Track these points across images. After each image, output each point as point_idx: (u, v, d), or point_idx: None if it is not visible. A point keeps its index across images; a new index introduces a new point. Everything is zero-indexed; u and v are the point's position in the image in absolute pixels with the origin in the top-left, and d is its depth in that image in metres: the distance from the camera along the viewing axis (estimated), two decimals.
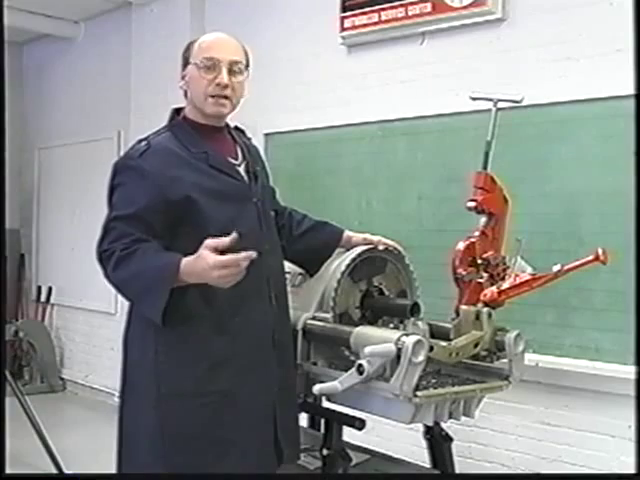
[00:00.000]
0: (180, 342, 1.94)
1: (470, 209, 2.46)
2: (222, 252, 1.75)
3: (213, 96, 1.99)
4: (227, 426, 1.96)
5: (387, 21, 3.56)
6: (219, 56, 1.99)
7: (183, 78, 2.06)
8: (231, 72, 2.00)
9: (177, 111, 2.11)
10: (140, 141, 2.01)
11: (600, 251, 2.26)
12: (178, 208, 1.92)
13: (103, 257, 1.92)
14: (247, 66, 2.07)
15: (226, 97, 2.01)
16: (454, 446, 2.49)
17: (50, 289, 5.95)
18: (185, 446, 1.93)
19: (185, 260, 1.80)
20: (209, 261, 1.74)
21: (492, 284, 2.35)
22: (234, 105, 2.05)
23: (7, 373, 3.93)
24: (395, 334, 1.92)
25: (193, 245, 1.81)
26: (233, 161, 2.09)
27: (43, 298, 5.98)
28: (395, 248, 2.37)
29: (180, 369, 1.93)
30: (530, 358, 2.69)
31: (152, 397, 1.93)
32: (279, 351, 2.07)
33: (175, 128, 2.04)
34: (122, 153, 5.46)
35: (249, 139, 2.22)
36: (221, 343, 1.95)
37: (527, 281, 2.29)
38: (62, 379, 5.82)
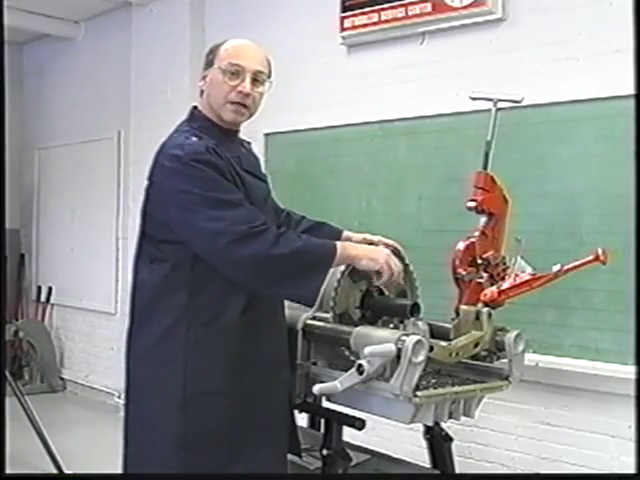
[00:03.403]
0: (209, 343, 1.94)
1: (470, 209, 2.46)
2: None
3: (233, 102, 2.00)
4: (247, 425, 1.98)
5: (387, 21, 3.56)
6: (245, 64, 2.00)
7: (204, 79, 2.05)
8: (254, 82, 2.01)
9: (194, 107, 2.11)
10: (188, 137, 1.96)
11: (600, 251, 2.26)
12: None
13: (257, 231, 1.84)
14: (269, 77, 2.07)
15: (245, 106, 2.02)
16: (454, 446, 2.49)
17: (50, 289, 5.95)
18: (208, 446, 1.93)
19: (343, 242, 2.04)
20: (387, 252, 2.05)
21: (492, 284, 2.35)
22: (251, 114, 2.06)
23: (7, 373, 3.93)
24: (395, 334, 1.91)
25: None
26: None
27: (43, 298, 5.98)
28: (395, 248, 2.37)
29: (207, 369, 1.94)
30: (530, 358, 2.69)
31: (177, 397, 1.92)
32: (288, 352, 2.11)
33: (205, 129, 2.02)
34: (122, 152, 5.51)
35: (249, 143, 2.22)
36: (245, 343, 1.97)
37: (527, 281, 2.29)
38: (62, 379, 5.82)
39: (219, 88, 2.01)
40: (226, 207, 1.86)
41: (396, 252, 2.36)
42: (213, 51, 2.06)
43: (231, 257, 1.85)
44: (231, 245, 1.83)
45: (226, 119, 2.04)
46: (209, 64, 2.05)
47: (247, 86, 1.99)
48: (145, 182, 2.04)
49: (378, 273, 2.02)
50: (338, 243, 1.98)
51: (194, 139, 1.95)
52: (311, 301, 1.94)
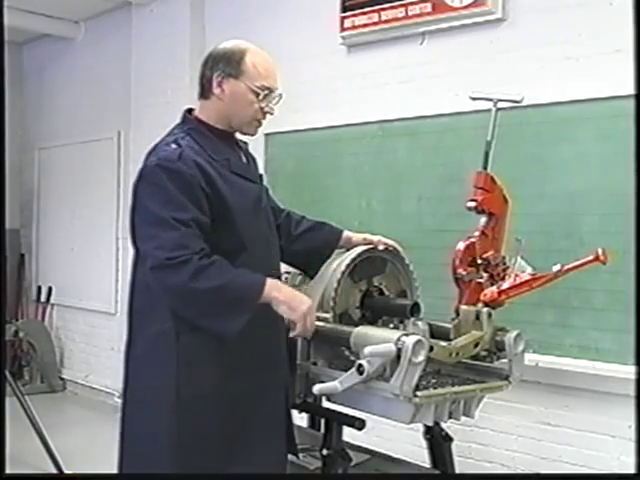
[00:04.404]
0: (201, 345, 1.93)
1: (470, 209, 2.45)
2: None
3: (257, 120, 2.04)
4: (243, 426, 1.98)
5: (387, 21, 3.56)
6: (274, 86, 2.03)
7: (219, 86, 2.00)
8: None
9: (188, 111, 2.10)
10: (168, 144, 1.97)
11: (600, 251, 2.25)
12: (215, 216, 1.92)
13: (174, 263, 1.81)
14: None
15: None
16: (454, 446, 2.49)
17: (50, 289, 5.95)
18: (202, 447, 1.93)
19: (273, 280, 1.93)
20: (311, 307, 1.95)
21: (492, 284, 2.34)
22: None
23: (7, 373, 3.93)
24: (395, 334, 1.91)
25: (219, 249, 1.88)
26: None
27: (43, 298, 5.98)
28: (395, 248, 2.37)
29: (200, 371, 1.93)
30: (530, 358, 2.69)
31: (170, 400, 1.92)
32: (285, 351, 2.10)
33: (194, 132, 2.01)
34: (122, 152, 5.51)
35: (245, 143, 2.21)
36: (239, 345, 1.95)
37: (527, 281, 2.29)
38: (62, 379, 5.82)
39: (248, 107, 2.01)
40: (162, 227, 1.84)
41: (395, 252, 2.37)
42: (236, 61, 1.99)
43: (155, 282, 1.88)
44: (153, 271, 1.85)
45: (248, 133, 2.08)
46: (231, 75, 1.99)
47: (275, 109, 2.04)
48: None
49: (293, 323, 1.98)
50: (268, 282, 1.90)
51: (173, 146, 1.95)
52: (228, 335, 1.88)
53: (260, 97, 2.00)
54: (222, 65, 2.00)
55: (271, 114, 2.05)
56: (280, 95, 2.06)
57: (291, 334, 2.00)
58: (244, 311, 1.86)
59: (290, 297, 1.94)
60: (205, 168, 1.92)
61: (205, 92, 2.05)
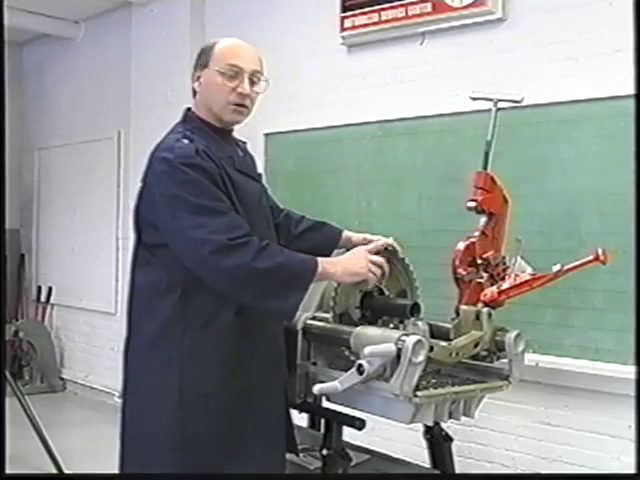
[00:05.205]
0: (204, 344, 1.93)
1: (470, 209, 2.46)
2: None
3: (233, 104, 2.01)
4: (243, 425, 1.98)
5: (387, 21, 3.56)
6: (242, 64, 2.00)
7: (197, 79, 2.04)
8: (251, 82, 2.02)
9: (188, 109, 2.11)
10: (178, 140, 1.96)
11: (600, 251, 2.26)
12: None
13: (237, 243, 1.81)
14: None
15: (244, 106, 2.02)
16: (454, 446, 2.49)
17: (50, 289, 5.95)
18: (203, 447, 1.93)
19: (322, 259, 1.95)
20: (366, 255, 2.02)
21: (492, 284, 2.34)
22: (249, 114, 2.06)
23: (7, 373, 3.94)
24: (395, 334, 1.91)
25: None
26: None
27: (43, 298, 5.98)
28: (392, 246, 2.35)
29: (203, 371, 1.93)
30: (530, 358, 2.69)
31: (173, 399, 1.92)
32: (284, 350, 2.11)
33: (197, 130, 2.01)
34: (122, 152, 5.51)
35: (244, 142, 2.21)
36: (241, 344, 1.96)
37: (527, 281, 2.29)
38: (62, 379, 5.82)
39: (219, 90, 2.00)
40: (209, 214, 1.84)
41: (394, 252, 2.37)
42: (206, 52, 2.04)
43: (212, 267, 1.84)
44: (212, 255, 1.81)
45: (227, 120, 2.04)
46: (203, 65, 2.03)
47: (246, 87, 2.00)
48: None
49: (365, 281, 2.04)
50: (320, 260, 1.93)
51: (185, 142, 1.94)
52: (290, 316, 1.93)
53: (226, 77, 1.99)
54: (199, 60, 2.06)
55: (245, 94, 2.00)
56: (258, 77, 2.03)
57: (371, 286, 2.10)
58: (302, 288, 1.89)
59: (345, 265, 1.99)
60: (216, 163, 1.94)
61: (193, 90, 2.08)
